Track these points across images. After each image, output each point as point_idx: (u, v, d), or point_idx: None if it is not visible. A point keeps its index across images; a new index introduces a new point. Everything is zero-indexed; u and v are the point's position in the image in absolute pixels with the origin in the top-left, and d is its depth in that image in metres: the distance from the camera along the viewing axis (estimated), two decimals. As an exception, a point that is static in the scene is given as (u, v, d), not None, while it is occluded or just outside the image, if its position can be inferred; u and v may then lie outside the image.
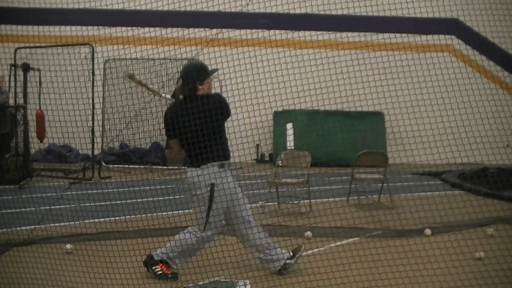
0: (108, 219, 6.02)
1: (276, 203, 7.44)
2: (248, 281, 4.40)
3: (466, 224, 6.17)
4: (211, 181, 4.29)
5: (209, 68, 4.53)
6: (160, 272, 4.48)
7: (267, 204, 7.23)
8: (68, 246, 5.21)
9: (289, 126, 13.23)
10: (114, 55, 10.78)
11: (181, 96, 4.42)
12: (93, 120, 10.13)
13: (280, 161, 7.49)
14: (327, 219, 5.59)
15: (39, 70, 10.28)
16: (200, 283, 4.35)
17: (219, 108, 4.33)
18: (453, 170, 10.45)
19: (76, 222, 6.14)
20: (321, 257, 4.85)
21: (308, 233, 5.84)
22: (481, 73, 9.06)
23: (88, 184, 9.50)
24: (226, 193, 4.32)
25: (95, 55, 10.04)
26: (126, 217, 6.07)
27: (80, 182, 9.71)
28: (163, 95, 4.63)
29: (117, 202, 6.29)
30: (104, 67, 11.72)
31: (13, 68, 10.23)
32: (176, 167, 11.29)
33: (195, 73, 4.40)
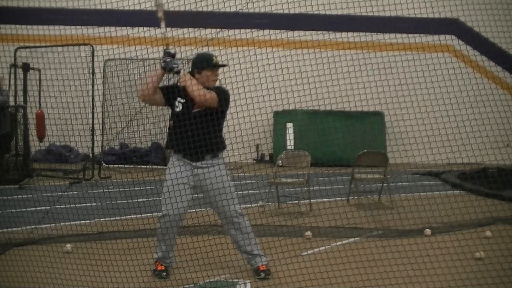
0: (108, 218, 6.02)
1: (276, 203, 7.43)
2: (248, 281, 4.40)
3: (466, 224, 6.17)
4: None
5: (217, 62, 4.43)
6: (154, 268, 4.58)
7: (267, 204, 7.23)
8: (68, 246, 5.21)
9: (289, 126, 13.23)
10: (114, 55, 10.77)
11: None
12: (93, 120, 10.13)
13: (280, 161, 7.48)
14: (327, 218, 5.58)
15: (39, 70, 10.28)
16: (200, 283, 4.34)
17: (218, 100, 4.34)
18: (453, 170, 10.44)
19: (76, 222, 6.14)
20: (321, 257, 4.85)
21: (308, 233, 5.83)
22: (481, 73, 9.06)
23: (88, 184, 9.50)
24: (172, 181, 4.38)
25: (95, 55, 10.04)
26: (124, 217, 6.06)
27: (80, 182, 9.71)
28: None
29: (117, 201, 6.29)
30: (104, 67, 11.72)
31: (13, 68, 10.23)
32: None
33: (195, 61, 4.42)
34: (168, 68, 4.27)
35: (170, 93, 4.42)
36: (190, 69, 4.46)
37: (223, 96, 4.40)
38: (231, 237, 4.57)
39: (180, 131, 4.37)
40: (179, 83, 4.36)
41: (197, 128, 4.31)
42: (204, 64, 4.36)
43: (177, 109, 4.42)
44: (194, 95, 4.25)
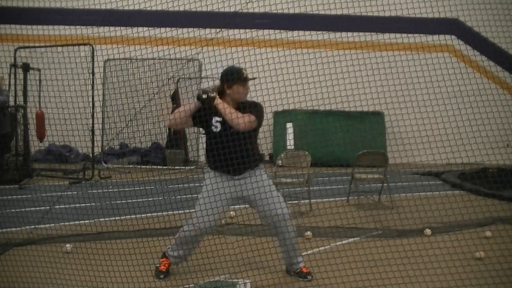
0: (107, 218, 6.02)
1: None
2: (248, 281, 4.40)
3: (466, 224, 6.17)
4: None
5: (247, 76, 4.44)
6: (157, 266, 4.59)
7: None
8: (68, 246, 5.21)
9: (289, 126, 13.23)
10: (114, 55, 10.77)
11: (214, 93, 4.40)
12: (93, 120, 10.13)
13: (280, 161, 7.48)
14: (327, 218, 5.58)
15: (39, 70, 10.28)
16: (200, 283, 4.34)
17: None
18: (453, 170, 10.44)
19: (75, 222, 6.14)
20: (321, 257, 4.85)
21: (308, 233, 5.83)
22: (481, 73, 9.06)
23: (88, 184, 9.50)
24: (204, 190, 4.43)
25: (95, 55, 10.04)
26: (126, 216, 6.06)
27: (80, 182, 9.71)
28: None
29: (117, 202, 6.29)
30: (104, 67, 11.72)
31: (13, 68, 10.23)
32: (176, 166, 11.33)
33: (224, 75, 4.42)
34: (202, 97, 4.32)
35: (203, 117, 4.41)
36: (220, 83, 4.45)
37: (260, 113, 4.40)
38: (279, 241, 4.55)
39: (220, 152, 4.37)
40: (210, 95, 4.35)
41: (235, 145, 4.32)
42: (235, 77, 4.36)
43: (216, 129, 4.41)
44: (234, 123, 4.27)
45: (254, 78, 4.53)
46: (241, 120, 4.23)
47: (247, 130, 4.30)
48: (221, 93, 4.42)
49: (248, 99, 4.50)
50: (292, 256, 4.55)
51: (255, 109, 4.38)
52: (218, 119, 4.38)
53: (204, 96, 4.32)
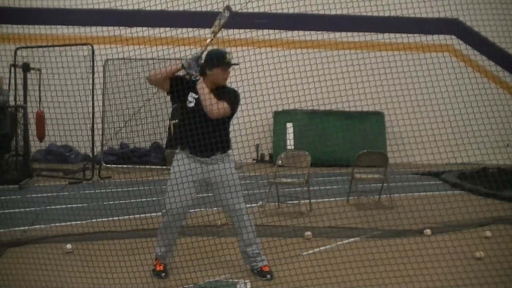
0: (108, 218, 6.02)
1: (276, 203, 7.43)
2: (248, 281, 4.40)
3: (466, 224, 6.17)
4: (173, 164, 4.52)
5: (230, 61, 4.43)
6: (153, 268, 4.57)
7: (267, 204, 7.23)
8: (68, 246, 5.20)
9: (289, 126, 13.22)
10: (114, 55, 10.77)
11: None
12: (93, 120, 10.13)
13: (280, 161, 7.48)
14: (327, 218, 5.58)
15: (39, 70, 10.28)
16: (200, 283, 4.34)
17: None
18: (453, 170, 10.44)
19: (76, 222, 6.13)
20: (321, 257, 4.85)
21: (308, 233, 5.83)
22: (481, 73, 9.06)
23: (88, 184, 9.50)
24: (176, 176, 4.42)
25: (95, 54, 10.04)
26: (125, 217, 6.06)
27: (80, 182, 9.71)
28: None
29: (116, 202, 6.29)
30: (104, 67, 11.71)
31: (13, 68, 10.23)
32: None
33: (208, 57, 4.42)
34: (188, 72, 4.35)
35: (180, 86, 4.40)
36: (203, 64, 4.43)
37: (234, 100, 4.42)
38: (237, 235, 4.56)
39: (191, 128, 4.36)
40: (193, 78, 4.39)
41: (208, 125, 4.33)
42: (216, 62, 4.37)
43: (191, 105, 4.42)
44: (208, 109, 4.29)
45: (236, 64, 4.52)
46: (215, 107, 4.27)
47: (217, 118, 4.32)
48: (203, 73, 4.42)
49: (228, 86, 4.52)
50: (250, 254, 4.52)
51: (230, 96, 4.40)
52: (195, 95, 4.40)
53: (187, 76, 4.38)
